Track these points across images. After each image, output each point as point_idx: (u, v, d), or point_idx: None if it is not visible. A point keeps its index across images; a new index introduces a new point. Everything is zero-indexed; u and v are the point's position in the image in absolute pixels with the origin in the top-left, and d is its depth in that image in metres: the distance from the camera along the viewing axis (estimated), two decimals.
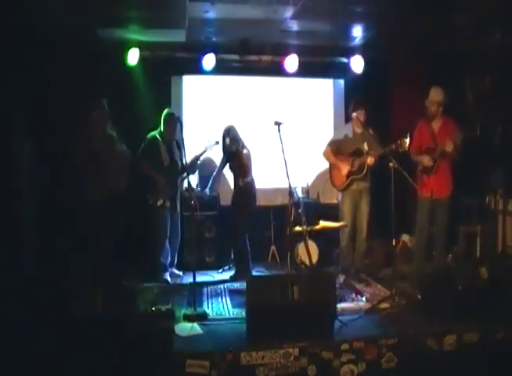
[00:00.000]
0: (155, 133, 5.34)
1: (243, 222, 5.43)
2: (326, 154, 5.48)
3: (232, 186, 5.66)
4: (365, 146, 5.18)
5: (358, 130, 5.28)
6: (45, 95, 5.62)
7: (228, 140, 5.43)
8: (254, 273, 5.56)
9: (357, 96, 5.49)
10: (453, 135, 4.71)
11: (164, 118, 5.32)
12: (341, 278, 5.16)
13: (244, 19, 5.11)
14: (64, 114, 5.60)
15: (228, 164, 5.58)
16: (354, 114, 5.24)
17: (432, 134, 4.92)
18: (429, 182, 4.92)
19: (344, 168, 5.25)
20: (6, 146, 4.84)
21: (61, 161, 5.19)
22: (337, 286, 4.77)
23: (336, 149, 5.37)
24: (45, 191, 5.19)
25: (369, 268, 5.67)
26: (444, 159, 4.85)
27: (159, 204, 5.23)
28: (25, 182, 5.02)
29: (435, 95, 4.85)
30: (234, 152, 5.45)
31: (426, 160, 4.85)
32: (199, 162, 5.72)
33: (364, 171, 5.16)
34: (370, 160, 5.07)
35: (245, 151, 5.48)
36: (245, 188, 5.42)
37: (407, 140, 4.60)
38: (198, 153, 5.51)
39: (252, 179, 5.52)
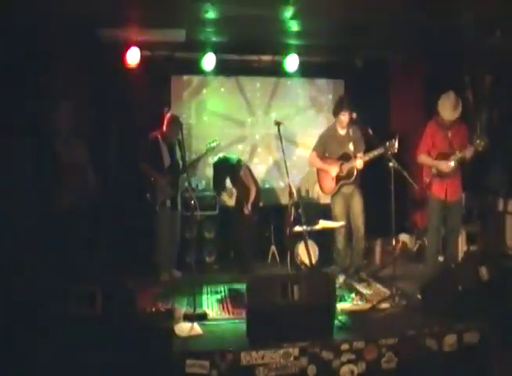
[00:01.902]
0: (156, 134, 5.34)
1: (246, 223, 5.44)
2: (311, 159, 5.39)
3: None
4: (351, 147, 5.12)
5: (342, 131, 5.21)
6: (44, 95, 5.62)
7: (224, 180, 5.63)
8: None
9: (341, 96, 5.44)
10: (468, 139, 4.75)
11: (167, 120, 5.32)
12: (341, 278, 5.14)
13: (244, 19, 5.10)
14: (63, 115, 5.61)
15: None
16: (339, 116, 5.14)
17: (446, 137, 4.87)
18: (443, 184, 4.91)
19: (333, 172, 5.18)
20: (6, 146, 4.84)
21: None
22: (337, 286, 4.78)
23: (322, 152, 5.30)
24: (44, 191, 5.19)
25: (369, 268, 5.68)
26: (459, 163, 4.85)
27: (159, 203, 5.23)
28: (25, 182, 5.02)
29: (453, 110, 4.72)
30: (235, 181, 5.57)
31: (444, 167, 4.82)
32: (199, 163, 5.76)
33: (354, 177, 5.10)
34: (360, 164, 4.99)
35: (241, 173, 5.50)
36: (249, 218, 5.50)
37: (396, 142, 4.57)
38: (199, 155, 5.52)
39: (256, 200, 5.57)
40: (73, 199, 4.67)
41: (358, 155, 5.03)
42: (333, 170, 5.18)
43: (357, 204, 5.21)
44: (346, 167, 5.14)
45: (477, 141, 4.65)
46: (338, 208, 5.26)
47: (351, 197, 5.23)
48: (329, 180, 5.25)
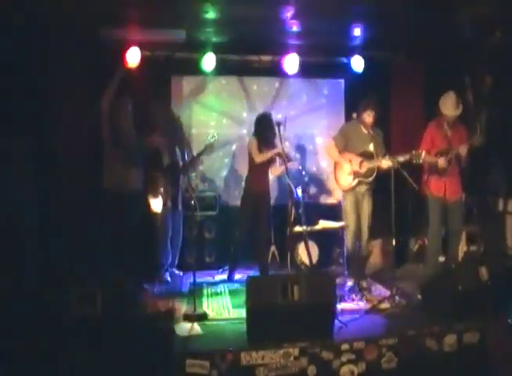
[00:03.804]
0: (154, 135, 5.32)
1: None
2: (329, 149, 5.22)
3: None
4: (372, 148, 4.99)
5: (365, 130, 5.06)
6: (44, 95, 5.62)
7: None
8: (254, 274, 5.56)
9: (369, 96, 5.19)
10: (467, 139, 4.79)
11: (164, 119, 5.32)
12: (349, 282, 5.01)
13: (244, 18, 5.10)
14: (64, 114, 5.62)
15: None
16: (363, 114, 5.02)
17: (446, 136, 4.92)
18: (442, 183, 4.93)
19: (349, 167, 5.04)
20: (6, 146, 4.85)
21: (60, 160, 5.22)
22: (346, 290, 4.79)
23: (341, 145, 5.12)
24: (44, 190, 5.20)
25: (370, 268, 5.68)
26: (457, 161, 4.88)
27: (160, 203, 5.23)
28: (25, 182, 5.02)
29: (454, 108, 4.80)
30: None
31: (441, 162, 4.83)
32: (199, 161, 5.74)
33: (373, 176, 4.98)
34: (386, 165, 4.79)
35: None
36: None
37: (423, 154, 4.53)
38: (198, 152, 5.52)
39: None
40: (73, 198, 4.69)
41: (387, 157, 4.82)
42: (352, 165, 5.03)
43: (366, 206, 5.12)
44: (366, 165, 5.00)
45: (473, 137, 4.72)
46: (350, 206, 5.11)
47: (362, 196, 5.11)
48: (346, 175, 5.08)
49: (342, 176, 5.13)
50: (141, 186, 5.00)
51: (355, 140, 5.10)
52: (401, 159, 4.70)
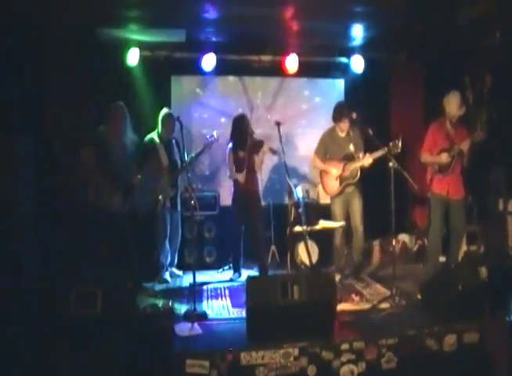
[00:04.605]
0: (152, 135, 5.32)
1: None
2: (313, 162, 5.43)
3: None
4: (352, 148, 5.12)
5: (342, 134, 5.23)
6: (44, 95, 5.62)
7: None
8: (254, 273, 5.56)
9: (340, 103, 5.35)
10: (469, 135, 4.81)
11: (162, 118, 5.32)
12: (336, 278, 5.08)
13: (244, 18, 5.10)
14: (63, 115, 5.62)
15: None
16: (338, 123, 5.17)
17: (448, 136, 4.94)
18: (445, 181, 4.95)
19: (336, 172, 5.19)
20: (6, 146, 4.85)
21: (63, 162, 5.22)
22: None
23: (323, 154, 5.32)
24: (44, 191, 5.20)
25: (369, 268, 5.68)
26: (459, 159, 4.90)
27: (159, 203, 5.22)
28: (25, 182, 5.02)
29: (459, 107, 4.86)
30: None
31: (443, 157, 4.86)
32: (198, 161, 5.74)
33: (358, 177, 5.12)
34: (367, 163, 4.98)
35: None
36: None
37: (399, 143, 4.58)
38: (197, 151, 5.52)
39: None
40: (73, 198, 4.69)
41: (367, 155, 5.00)
42: (337, 170, 5.20)
43: (356, 204, 5.23)
44: (350, 167, 5.14)
45: (474, 133, 4.74)
46: (337, 208, 5.27)
47: (350, 196, 5.24)
48: (332, 181, 5.25)
49: (329, 183, 5.30)
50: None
51: (333, 146, 5.27)
52: (379, 154, 4.79)
